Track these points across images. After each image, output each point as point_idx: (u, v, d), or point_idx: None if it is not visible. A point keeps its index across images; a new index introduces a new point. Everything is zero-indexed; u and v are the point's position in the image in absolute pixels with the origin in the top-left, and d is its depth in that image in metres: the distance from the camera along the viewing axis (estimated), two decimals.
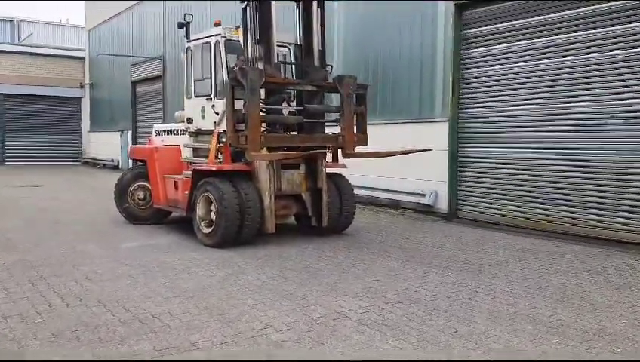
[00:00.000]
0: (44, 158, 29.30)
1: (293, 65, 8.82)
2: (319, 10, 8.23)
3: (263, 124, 7.70)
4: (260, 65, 7.62)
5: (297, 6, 8.35)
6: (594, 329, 4.49)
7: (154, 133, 10.14)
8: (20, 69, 29.00)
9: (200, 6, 17.26)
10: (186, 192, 8.22)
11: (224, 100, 8.03)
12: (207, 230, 7.75)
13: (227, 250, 7.43)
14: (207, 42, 8.43)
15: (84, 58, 30.35)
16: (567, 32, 8.63)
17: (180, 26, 8.81)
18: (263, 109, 7.69)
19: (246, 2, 7.68)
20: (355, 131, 8.24)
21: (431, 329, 4.48)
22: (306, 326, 4.53)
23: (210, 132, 8.32)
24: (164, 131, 9.76)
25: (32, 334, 4.33)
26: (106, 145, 26.50)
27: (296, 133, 8.24)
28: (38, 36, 39.04)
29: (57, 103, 30.09)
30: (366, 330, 4.47)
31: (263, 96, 7.74)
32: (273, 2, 7.73)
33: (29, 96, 29.07)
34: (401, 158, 11.11)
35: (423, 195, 10.73)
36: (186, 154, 9.09)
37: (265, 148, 7.56)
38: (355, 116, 8.23)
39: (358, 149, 8.30)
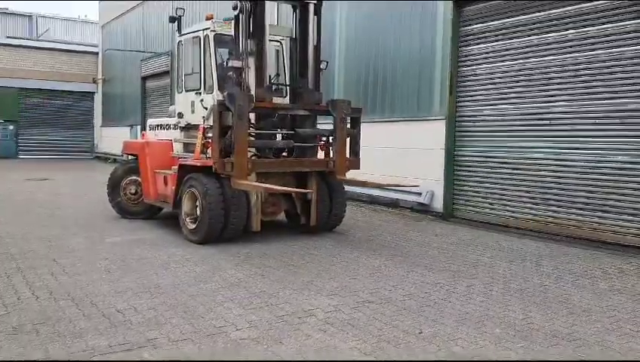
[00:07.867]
0: (58, 153, 29.59)
1: (286, 65, 8.73)
2: (316, 17, 8.06)
3: (252, 149, 7.62)
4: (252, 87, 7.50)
5: (294, 12, 8.23)
6: (564, 334, 4.34)
7: (147, 128, 10.10)
8: (36, 64, 29.31)
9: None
10: (174, 187, 8.17)
11: (213, 95, 7.99)
12: (192, 226, 7.67)
13: (210, 246, 7.35)
14: (197, 36, 8.36)
15: (97, 54, 30.61)
16: (565, 30, 8.43)
17: (172, 20, 8.76)
18: (252, 134, 7.60)
19: (238, 10, 7.54)
20: (348, 154, 8.16)
21: (395, 330, 4.37)
22: (269, 325, 4.45)
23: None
24: (158, 126, 9.70)
25: None
26: (116, 139, 26.64)
27: (287, 156, 8.17)
28: (55, 32, 39.48)
29: (71, 98, 30.38)
30: (329, 329, 4.37)
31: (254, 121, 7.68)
32: (267, 17, 7.60)
33: (44, 91, 29.39)
34: (399, 156, 11.07)
35: (420, 194, 10.58)
36: (177, 149, 9.03)
37: (254, 173, 7.49)
38: (348, 138, 8.15)
39: (350, 174, 8.30)
